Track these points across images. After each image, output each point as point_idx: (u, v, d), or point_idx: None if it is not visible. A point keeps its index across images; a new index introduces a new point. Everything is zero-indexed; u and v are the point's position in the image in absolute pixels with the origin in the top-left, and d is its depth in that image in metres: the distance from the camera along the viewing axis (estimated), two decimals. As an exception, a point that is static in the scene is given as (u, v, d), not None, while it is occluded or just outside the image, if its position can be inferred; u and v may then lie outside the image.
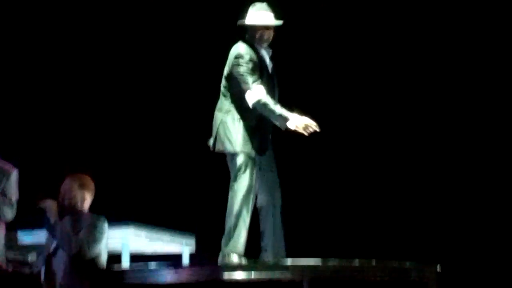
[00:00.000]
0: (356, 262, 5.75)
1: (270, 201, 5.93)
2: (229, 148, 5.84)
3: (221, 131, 5.87)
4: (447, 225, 8.80)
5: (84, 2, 9.23)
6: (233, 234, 5.77)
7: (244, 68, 5.83)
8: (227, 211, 5.81)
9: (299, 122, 5.70)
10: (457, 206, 8.82)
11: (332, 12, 8.91)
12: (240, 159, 5.81)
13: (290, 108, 5.79)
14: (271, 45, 6.06)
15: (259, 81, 5.80)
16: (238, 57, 5.87)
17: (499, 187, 8.79)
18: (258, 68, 5.86)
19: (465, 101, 8.89)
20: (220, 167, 6.03)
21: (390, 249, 7.37)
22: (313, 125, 5.71)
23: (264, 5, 6.02)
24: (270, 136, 5.98)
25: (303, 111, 5.74)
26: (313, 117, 5.70)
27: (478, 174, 8.84)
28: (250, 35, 5.99)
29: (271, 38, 6.01)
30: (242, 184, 5.77)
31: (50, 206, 5.97)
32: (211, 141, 5.95)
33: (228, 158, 5.90)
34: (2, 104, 8.79)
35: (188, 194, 9.02)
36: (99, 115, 9.28)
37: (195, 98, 8.73)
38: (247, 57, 5.85)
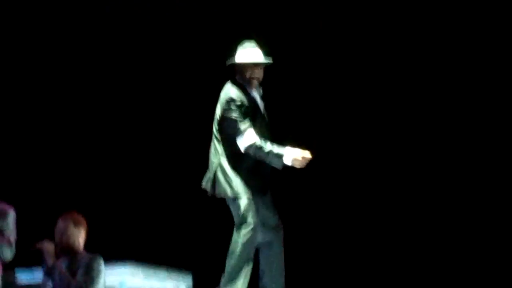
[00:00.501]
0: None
1: (270, 240, 5.92)
2: (230, 193, 5.83)
3: (219, 176, 5.87)
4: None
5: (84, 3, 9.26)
6: (236, 276, 5.76)
7: (235, 113, 5.84)
8: (230, 252, 5.80)
9: (294, 156, 5.73)
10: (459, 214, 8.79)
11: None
12: (242, 203, 5.80)
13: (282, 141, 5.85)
14: (261, 84, 6.07)
15: (250, 125, 5.81)
16: (229, 101, 5.87)
17: (496, 187, 8.76)
18: (250, 110, 5.88)
19: (465, 102, 8.90)
20: (216, 206, 6.07)
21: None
22: (307, 156, 5.75)
23: (252, 43, 6.03)
24: (269, 177, 5.97)
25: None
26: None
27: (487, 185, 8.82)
28: (240, 74, 6.00)
29: (261, 77, 6.03)
30: (246, 228, 5.76)
31: (48, 247, 5.99)
32: (207, 185, 5.93)
33: (229, 202, 5.89)
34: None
35: (185, 233, 9.03)
36: (94, 153, 9.31)
37: (190, 136, 8.77)
38: (238, 101, 5.86)
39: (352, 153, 9.00)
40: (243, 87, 5.96)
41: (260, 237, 5.88)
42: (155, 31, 9.16)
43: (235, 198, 5.81)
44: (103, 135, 9.39)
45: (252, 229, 5.76)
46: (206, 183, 5.94)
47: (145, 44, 9.23)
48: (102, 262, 6.05)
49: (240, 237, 5.76)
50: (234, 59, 6.02)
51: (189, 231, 8.98)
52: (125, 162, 9.23)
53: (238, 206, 5.80)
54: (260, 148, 5.76)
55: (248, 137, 5.79)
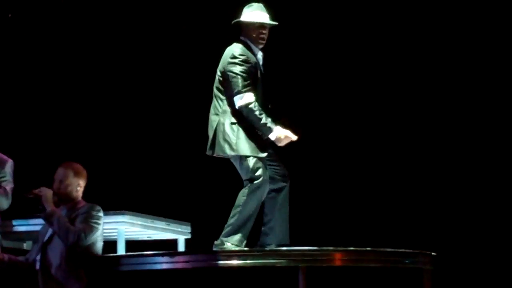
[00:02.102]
0: (351, 249, 5.81)
1: (279, 188, 5.97)
2: (229, 152, 5.84)
3: (219, 135, 5.87)
4: (442, 214, 8.83)
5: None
6: (240, 228, 5.81)
7: (238, 69, 5.83)
8: (237, 204, 5.83)
9: (281, 134, 5.78)
10: (453, 197, 8.84)
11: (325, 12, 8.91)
12: (250, 160, 5.82)
13: (278, 117, 5.91)
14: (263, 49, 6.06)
15: (251, 85, 5.81)
16: (233, 57, 5.86)
17: (493, 178, 8.82)
18: (253, 69, 5.87)
19: (463, 101, 8.92)
20: (215, 159, 6.08)
21: (385, 239, 7.43)
22: (291, 138, 5.80)
23: (261, 5, 6.03)
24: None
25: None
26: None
27: (471, 167, 8.86)
28: (246, 34, 5.98)
29: (266, 38, 6.01)
30: (257, 183, 5.80)
31: (46, 194, 6.02)
32: (208, 145, 5.96)
33: (234, 160, 5.92)
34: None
35: (184, 184, 9.05)
36: (92, 105, 9.29)
37: (189, 91, 8.77)
38: (242, 58, 5.85)
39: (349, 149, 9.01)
40: (249, 46, 5.95)
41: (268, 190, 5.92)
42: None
43: (241, 156, 5.83)
44: (101, 86, 9.38)
45: (262, 185, 5.80)
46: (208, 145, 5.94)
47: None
48: (100, 210, 6.10)
49: (250, 192, 5.79)
50: (240, 18, 6.00)
51: (188, 183, 9.00)
52: (122, 113, 9.23)
53: (246, 164, 5.82)
54: (254, 112, 5.77)
55: (247, 97, 5.79)
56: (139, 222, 7.24)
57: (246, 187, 5.82)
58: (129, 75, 9.29)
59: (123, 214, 7.10)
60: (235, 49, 5.90)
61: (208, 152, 5.97)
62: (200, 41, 8.73)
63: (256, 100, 5.82)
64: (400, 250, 5.92)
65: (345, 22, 8.96)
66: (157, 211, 7.65)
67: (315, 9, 8.94)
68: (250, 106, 5.78)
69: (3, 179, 6.35)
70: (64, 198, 6.12)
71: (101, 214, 6.07)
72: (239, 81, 5.80)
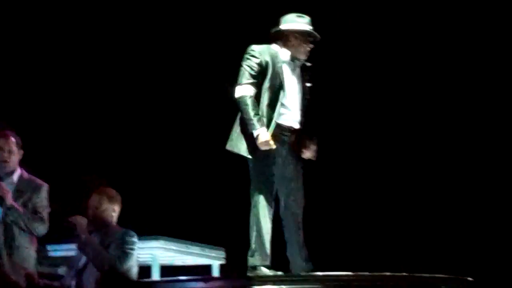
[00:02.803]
0: (388, 274, 5.74)
1: (290, 208, 5.88)
2: (236, 150, 5.80)
3: (234, 131, 5.85)
4: (478, 239, 8.72)
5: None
6: (257, 244, 5.76)
7: (244, 63, 5.82)
8: (250, 221, 5.80)
9: (261, 136, 5.64)
10: (490, 222, 8.74)
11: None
12: (254, 163, 5.77)
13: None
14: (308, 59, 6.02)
15: (253, 80, 5.76)
16: (246, 51, 5.86)
17: None
18: (263, 67, 5.81)
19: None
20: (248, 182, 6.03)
21: (419, 263, 7.35)
22: (270, 146, 5.65)
23: (309, 19, 6.00)
24: (286, 139, 5.86)
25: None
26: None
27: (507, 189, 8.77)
28: (286, 41, 5.93)
29: (303, 49, 5.95)
30: (259, 196, 5.74)
31: (80, 222, 6.01)
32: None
33: (247, 160, 5.86)
34: (34, 123, 8.86)
35: (218, 209, 9.04)
36: (128, 132, 9.32)
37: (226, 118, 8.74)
38: (253, 53, 5.83)
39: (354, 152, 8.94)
40: (278, 49, 5.91)
41: (280, 205, 5.84)
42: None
43: (247, 158, 5.77)
44: (135, 114, 9.40)
45: (266, 193, 5.72)
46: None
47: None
48: (135, 236, 6.08)
49: (255, 203, 5.73)
50: (289, 25, 5.96)
51: (223, 208, 8.98)
52: (159, 140, 9.24)
53: (250, 167, 5.78)
54: (245, 105, 5.71)
55: (243, 89, 5.75)
56: (173, 247, 7.24)
57: (251, 195, 5.77)
58: (170, 110, 9.30)
59: (157, 239, 7.10)
60: (253, 45, 5.89)
61: (227, 146, 5.91)
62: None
63: (258, 97, 5.76)
64: (437, 275, 5.84)
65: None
66: (191, 236, 7.64)
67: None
68: (243, 98, 5.73)
69: (39, 204, 6.36)
70: (99, 223, 6.12)
71: (135, 239, 6.05)
72: (244, 73, 5.80)
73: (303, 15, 5.98)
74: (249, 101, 5.71)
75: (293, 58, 5.94)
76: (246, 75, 5.77)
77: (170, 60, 9.37)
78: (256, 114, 5.68)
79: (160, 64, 9.37)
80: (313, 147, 5.92)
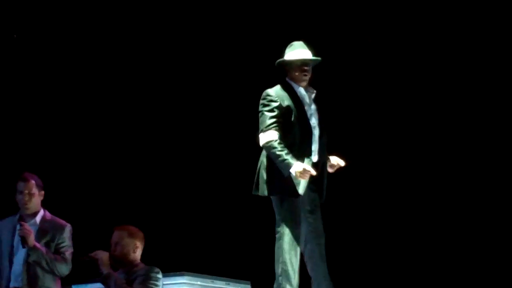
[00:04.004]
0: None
1: (312, 245, 5.88)
2: (265, 192, 5.84)
3: (260, 174, 5.88)
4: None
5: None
6: (283, 281, 5.74)
7: (264, 109, 5.85)
8: (275, 257, 5.80)
9: (298, 169, 5.65)
10: None
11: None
12: (280, 203, 5.79)
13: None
14: (316, 86, 6.06)
15: (275, 124, 5.79)
16: (263, 96, 5.90)
17: None
18: (283, 110, 5.84)
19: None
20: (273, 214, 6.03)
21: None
22: (310, 172, 5.67)
23: (301, 43, 6.03)
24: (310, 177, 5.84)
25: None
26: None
27: None
28: (289, 74, 5.99)
29: (309, 76, 5.99)
30: (285, 229, 5.74)
31: (102, 257, 6.00)
32: (254, 184, 5.96)
33: (273, 202, 5.89)
34: (53, 165, 8.90)
35: (242, 242, 9.00)
36: (150, 167, 9.33)
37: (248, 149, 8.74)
38: (269, 98, 5.86)
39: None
40: (290, 86, 5.96)
41: (302, 238, 5.84)
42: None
43: (273, 198, 5.81)
44: (159, 149, 9.41)
45: (292, 230, 5.73)
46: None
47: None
48: (159, 272, 6.06)
49: (281, 239, 5.75)
50: (282, 58, 6.02)
51: (247, 241, 8.94)
52: (180, 174, 9.24)
53: (276, 206, 5.80)
54: (273, 149, 5.73)
55: (268, 135, 5.78)
56: (198, 283, 7.21)
57: (276, 233, 5.78)
58: (194, 145, 9.29)
59: (182, 275, 7.08)
60: (267, 90, 5.93)
61: (254, 191, 5.95)
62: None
63: (283, 138, 5.79)
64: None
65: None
66: (216, 271, 7.61)
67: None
68: (270, 143, 5.75)
69: (62, 244, 6.41)
70: (121, 260, 6.09)
71: (160, 276, 6.04)
72: (264, 119, 5.82)
73: (292, 44, 6.03)
74: (275, 144, 5.74)
75: (305, 89, 5.99)
76: (268, 120, 5.81)
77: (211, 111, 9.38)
78: (287, 153, 5.71)
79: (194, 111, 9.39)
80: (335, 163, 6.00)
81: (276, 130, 5.77)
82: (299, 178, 5.69)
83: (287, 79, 6.00)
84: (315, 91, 6.03)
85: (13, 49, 9.29)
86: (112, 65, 9.41)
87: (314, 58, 6.00)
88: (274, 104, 5.82)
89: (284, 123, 5.81)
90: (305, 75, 5.96)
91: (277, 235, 5.78)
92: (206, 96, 9.38)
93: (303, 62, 5.95)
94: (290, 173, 5.67)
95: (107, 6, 9.27)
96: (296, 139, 5.83)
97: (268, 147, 5.74)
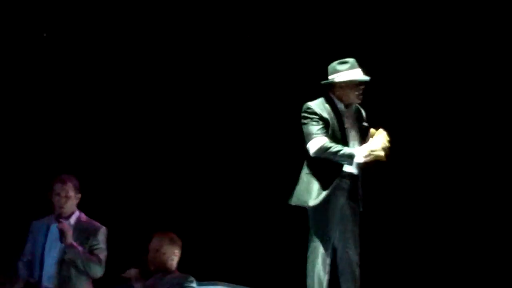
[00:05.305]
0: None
1: (346, 256, 5.81)
2: (298, 202, 5.79)
3: (298, 184, 5.84)
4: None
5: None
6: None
7: (306, 120, 5.82)
8: (307, 268, 5.77)
9: (364, 152, 5.68)
10: None
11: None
12: (313, 214, 5.74)
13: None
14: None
15: (322, 132, 5.76)
16: (303, 109, 5.87)
17: None
18: (326, 124, 5.79)
19: None
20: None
21: None
22: (377, 149, 5.67)
23: (354, 61, 5.95)
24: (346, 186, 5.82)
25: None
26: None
27: None
28: (337, 91, 5.90)
29: (361, 94, 5.91)
30: (316, 242, 5.71)
31: (134, 274, 6.03)
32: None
33: (308, 213, 5.84)
34: (92, 168, 8.88)
35: (277, 252, 8.90)
36: (186, 175, 9.26)
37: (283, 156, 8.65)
38: (311, 110, 5.83)
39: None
40: (332, 102, 5.90)
41: (337, 253, 5.79)
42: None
43: (308, 209, 5.75)
44: (194, 157, 9.34)
45: (322, 243, 5.69)
46: None
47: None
48: (193, 281, 6.09)
49: (311, 251, 5.72)
50: (334, 77, 5.91)
51: (282, 251, 8.84)
52: (219, 181, 9.17)
53: (309, 217, 5.76)
54: (328, 148, 5.70)
55: (318, 140, 5.74)
56: (233, 293, 7.13)
57: (308, 243, 5.74)
58: (230, 155, 9.22)
59: (216, 285, 7.02)
60: (308, 103, 5.88)
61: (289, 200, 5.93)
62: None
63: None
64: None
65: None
66: (251, 281, 7.54)
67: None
68: (322, 146, 5.72)
69: (95, 246, 6.41)
70: (159, 267, 6.14)
71: (194, 285, 6.09)
72: (308, 130, 5.79)
73: (346, 61, 5.94)
74: (328, 144, 5.71)
75: (347, 105, 5.92)
76: (314, 129, 5.78)
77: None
78: (341, 147, 5.70)
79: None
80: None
81: (324, 135, 5.75)
82: (369, 160, 5.67)
83: (330, 94, 5.92)
84: (357, 107, 5.98)
85: (44, 47, 9.30)
86: (150, 68, 9.39)
87: (366, 78, 5.90)
88: (316, 116, 5.80)
89: (326, 134, 5.77)
90: (360, 96, 5.90)
91: (308, 250, 5.75)
92: (247, 105, 9.31)
93: (360, 83, 5.88)
94: (355, 162, 5.68)
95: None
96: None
97: (321, 150, 5.70)
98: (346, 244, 5.79)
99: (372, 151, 5.69)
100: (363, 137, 5.89)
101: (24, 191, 8.75)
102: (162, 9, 9.21)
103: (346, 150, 5.71)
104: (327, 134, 5.75)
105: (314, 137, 5.74)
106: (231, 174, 9.19)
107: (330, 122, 5.80)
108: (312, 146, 5.74)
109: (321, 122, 5.77)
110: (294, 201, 5.80)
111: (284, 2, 8.93)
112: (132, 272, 6.08)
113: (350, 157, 5.70)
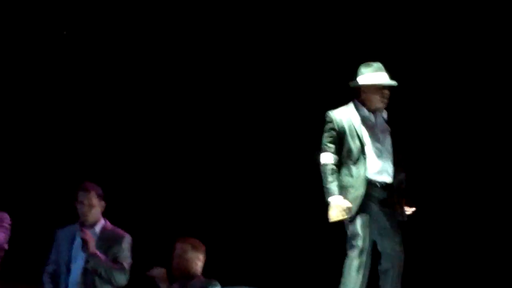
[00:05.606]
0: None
1: (385, 263, 5.80)
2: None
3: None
4: None
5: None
6: None
7: (324, 130, 5.86)
8: (342, 275, 5.76)
9: (334, 203, 5.66)
10: None
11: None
12: (349, 220, 5.73)
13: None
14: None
15: (331, 145, 5.78)
16: (324, 116, 5.91)
17: None
18: (342, 131, 5.81)
19: None
20: (333, 232, 6.01)
21: None
22: (343, 214, 5.64)
23: (379, 65, 5.94)
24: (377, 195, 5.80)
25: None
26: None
27: None
28: (363, 95, 5.91)
29: (386, 100, 5.90)
30: (353, 249, 5.69)
31: (160, 274, 6.03)
32: None
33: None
34: (116, 175, 8.91)
35: (302, 257, 8.88)
36: (208, 181, 9.27)
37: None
38: (327, 119, 5.87)
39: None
40: (356, 107, 5.90)
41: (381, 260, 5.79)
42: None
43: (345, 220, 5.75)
44: (217, 162, 9.35)
45: (357, 254, 5.68)
46: None
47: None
48: (217, 285, 6.10)
49: (347, 261, 5.71)
50: (360, 80, 5.93)
51: (307, 255, 8.83)
52: (243, 185, 9.17)
53: (347, 228, 5.75)
54: (324, 172, 5.76)
55: (322, 157, 5.81)
56: (257, 298, 7.11)
57: (347, 254, 5.75)
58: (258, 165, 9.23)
59: (241, 288, 7.00)
60: (329, 111, 5.93)
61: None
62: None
63: (341, 160, 5.79)
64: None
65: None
66: (276, 285, 7.52)
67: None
68: (323, 167, 5.77)
69: (119, 254, 6.40)
70: (183, 273, 6.18)
71: (218, 289, 6.01)
72: (323, 140, 5.87)
73: (370, 64, 5.94)
74: (326, 169, 5.76)
75: (372, 110, 5.91)
76: (325, 142, 5.83)
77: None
78: (332, 181, 5.72)
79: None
80: (406, 210, 5.89)
81: (332, 153, 5.80)
82: (330, 215, 5.66)
83: (356, 99, 5.92)
84: (383, 112, 5.94)
85: (64, 46, 9.35)
86: (171, 77, 9.43)
87: (392, 83, 5.90)
88: (330, 126, 5.85)
89: (340, 147, 5.80)
90: (384, 100, 5.88)
91: (346, 260, 5.73)
92: (268, 110, 9.32)
93: (385, 87, 5.87)
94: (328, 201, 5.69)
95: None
96: (351, 160, 5.79)
97: (322, 170, 5.76)
98: (385, 250, 5.75)
99: (338, 210, 5.65)
100: (390, 143, 5.87)
101: (50, 199, 8.82)
102: (169, 11, 9.26)
103: (332, 186, 5.68)
104: (336, 146, 5.77)
105: (323, 152, 5.79)
106: (256, 180, 9.20)
107: (348, 129, 5.80)
108: (320, 160, 5.80)
109: (333, 133, 5.79)
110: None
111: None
112: (158, 271, 6.07)
113: (326, 195, 5.70)
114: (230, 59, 9.24)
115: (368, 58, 6.09)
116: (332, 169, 5.74)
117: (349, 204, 5.67)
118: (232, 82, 9.29)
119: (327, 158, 5.77)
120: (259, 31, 9.15)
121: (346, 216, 5.68)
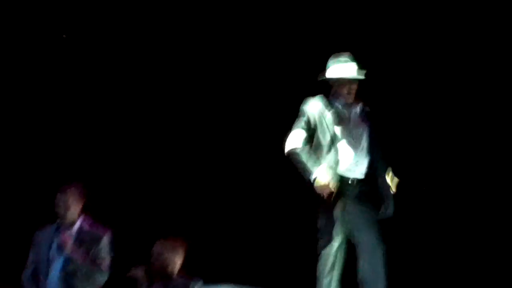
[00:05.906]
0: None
1: (363, 256, 5.64)
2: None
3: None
4: None
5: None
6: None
7: (297, 121, 5.70)
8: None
9: (319, 180, 5.49)
10: None
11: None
12: (319, 217, 5.71)
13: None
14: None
15: (303, 133, 5.63)
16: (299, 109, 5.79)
17: None
18: (314, 124, 5.67)
19: None
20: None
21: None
22: (329, 187, 5.51)
23: (347, 57, 5.79)
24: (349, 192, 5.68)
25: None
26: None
27: None
28: (333, 89, 5.79)
29: (353, 92, 5.77)
30: (323, 244, 5.68)
31: (140, 275, 6.02)
32: None
33: None
34: (100, 170, 8.88)
35: (286, 253, 8.86)
36: (191, 176, 9.24)
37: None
38: (302, 111, 5.72)
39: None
40: (329, 100, 5.77)
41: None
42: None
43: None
44: (204, 159, 9.32)
45: (326, 247, 5.63)
46: None
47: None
48: (200, 285, 5.99)
49: (321, 257, 5.69)
50: (327, 73, 5.81)
51: (290, 252, 8.81)
52: (225, 185, 9.14)
53: (318, 224, 5.71)
54: (297, 154, 5.57)
55: (290, 140, 5.64)
56: (242, 295, 7.12)
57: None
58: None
59: (224, 286, 6.99)
60: (309, 98, 5.78)
61: None
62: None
63: (314, 147, 5.65)
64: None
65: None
66: (259, 282, 7.51)
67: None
68: (291, 150, 5.62)
69: (98, 254, 6.39)
70: (161, 273, 6.08)
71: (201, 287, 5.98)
72: (293, 126, 5.71)
73: (338, 56, 5.80)
74: (296, 151, 5.59)
75: (345, 104, 5.77)
76: (294, 126, 5.70)
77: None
78: (308, 159, 5.56)
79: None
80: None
81: (298, 133, 5.64)
82: (317, 189, 5.52)
83: (332, 92, 5.79)
84: (363, 105, 5.82)
85: (63, 49, 9.33)
86: (167, 76, 9.41)
87: (359, 77, 5.73)
88: (304, 118, 5.70)
89: (311, 137, 5.68)
90: (351, 94, 5.74)
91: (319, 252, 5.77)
92: (254, 106, 9.27)
93: (351, 80, 5.72)
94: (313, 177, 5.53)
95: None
96: (322, 155, 5.65)
97: (293, 153, 5.59)
98: (359, 245, 5.60)
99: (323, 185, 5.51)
100: (369, 141, 5.74)
101: (33, 201, 8.79)
102: (169, 14, 9.25)
103: (310, 163, 5.51)
104: (307, 136, 5.62)
105: (289, 135, 5.63)
106: (239, 176, 9.17)
107: (318, 121, 5.66)
108: (286, 145, 5.63)
109: (306, 125, 5.65)
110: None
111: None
112: (139, 272, 6.08)
113: (308, 173, 5.53)
114: (223, 60, 9.22)
115: (362, 55, 5.97)
116: (302, 149, 5.58)
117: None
118: (222, 81, 9.28)
119: (296, 139, 5.62)
120: (260, 30, 9.16)
121: (332, 190, 5.55)
